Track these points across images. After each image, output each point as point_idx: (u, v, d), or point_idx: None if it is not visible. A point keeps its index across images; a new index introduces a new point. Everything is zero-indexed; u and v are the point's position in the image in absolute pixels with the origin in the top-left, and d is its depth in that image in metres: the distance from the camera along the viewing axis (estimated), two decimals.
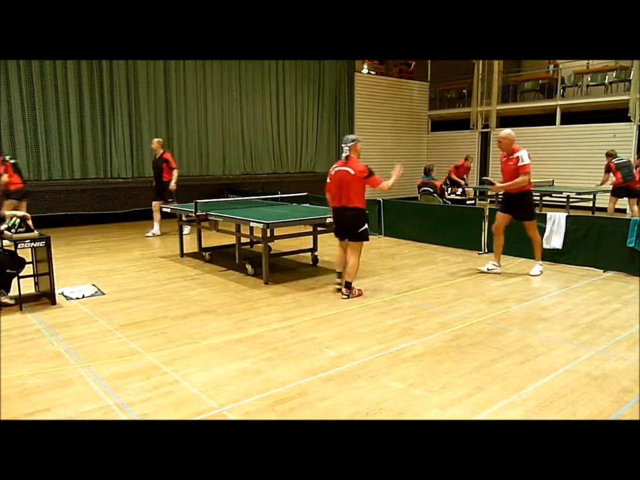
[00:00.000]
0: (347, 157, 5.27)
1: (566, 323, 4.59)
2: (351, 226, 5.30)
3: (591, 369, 3.58)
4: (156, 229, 9.46)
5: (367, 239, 5.39)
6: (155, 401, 3.13)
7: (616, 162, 10.16)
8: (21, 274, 5.01)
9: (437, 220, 8.50)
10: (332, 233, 5.89)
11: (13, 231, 4.99)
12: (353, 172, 5.19)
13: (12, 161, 8.31)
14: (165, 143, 12.02)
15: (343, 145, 5.31)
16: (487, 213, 7.64)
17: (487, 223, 7.57)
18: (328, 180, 5.46)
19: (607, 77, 13.96)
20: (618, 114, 13.04)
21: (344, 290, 5.39)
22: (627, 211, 10.53)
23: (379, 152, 15.68)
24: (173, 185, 9.20)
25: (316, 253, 6.97)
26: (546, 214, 7.06)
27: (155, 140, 9.61)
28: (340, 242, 5.69)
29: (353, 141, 5.29)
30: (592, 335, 4.25)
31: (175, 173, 9.27)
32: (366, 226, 5.32)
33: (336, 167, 5.38)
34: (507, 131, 6.10)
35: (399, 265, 6.96)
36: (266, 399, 3.15)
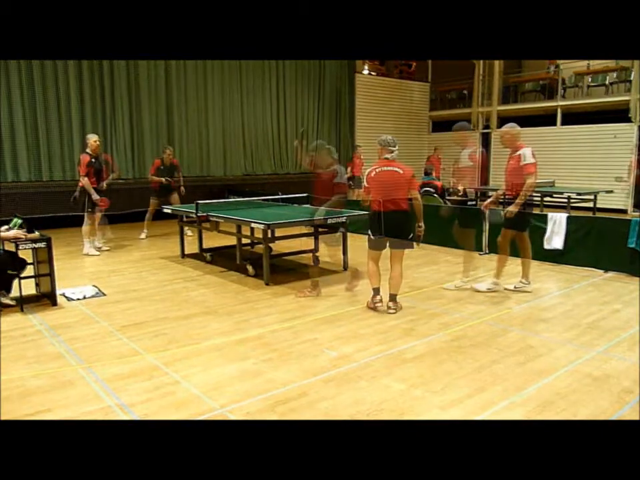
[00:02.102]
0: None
1: (567, 323, 4.58)
2: None
3: (592, 369, 3.58)
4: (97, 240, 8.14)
5: None
6: (156, 402, 3.13)
7: None
8: (22, 275, 5.02)
9: (438, 221, 8.47)
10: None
11: None
12: (401, 172, 4.98)
13: None
14: (166, 143, 12.04)
15: (392, 148, 5.00)
16: (488, 214, 7.62)
17: (487, 224, 7.56)
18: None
19: (607, 77, 13.95)
20: (619, 114, 13.02)
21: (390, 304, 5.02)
22: (628, 211, 10.51)
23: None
24: (95, 196, 7.52)
25: (317, 254, 6.96)
26: (547, 214, 7.05)
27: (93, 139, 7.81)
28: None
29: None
30: (593, 336, 4.25)
31: (109, 177, 8.04)
32: None
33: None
34: (508, 125, 5.41)
35: None
36: (267, 400, 3.15)
